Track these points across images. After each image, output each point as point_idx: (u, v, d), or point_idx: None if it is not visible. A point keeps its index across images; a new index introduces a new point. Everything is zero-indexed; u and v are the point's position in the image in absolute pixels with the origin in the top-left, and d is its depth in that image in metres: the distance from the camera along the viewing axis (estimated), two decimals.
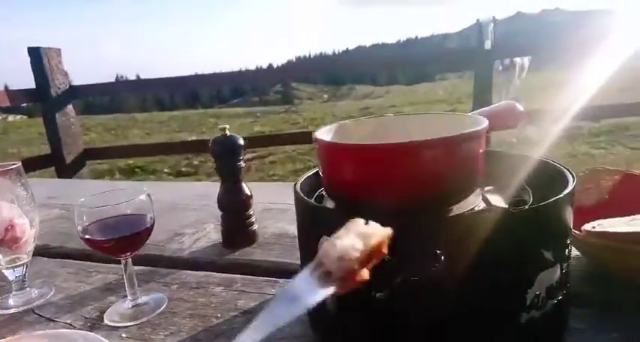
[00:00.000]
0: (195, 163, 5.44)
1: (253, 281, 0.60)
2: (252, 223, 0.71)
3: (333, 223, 0.29)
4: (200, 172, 5.22)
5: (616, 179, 0.61)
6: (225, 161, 0.68)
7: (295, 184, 0.47)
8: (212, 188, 0.76)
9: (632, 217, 0.50)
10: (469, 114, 0.48)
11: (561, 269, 0.39)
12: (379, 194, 0.42)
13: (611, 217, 0.58)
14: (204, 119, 9.52)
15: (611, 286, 0.50)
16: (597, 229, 0.49)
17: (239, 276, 0.62)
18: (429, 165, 0.40)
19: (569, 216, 0.41)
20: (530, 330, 0.38)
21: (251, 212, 0.71)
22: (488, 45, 2.88)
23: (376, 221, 0.29)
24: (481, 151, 0.43)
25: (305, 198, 0.44)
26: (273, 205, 0.89)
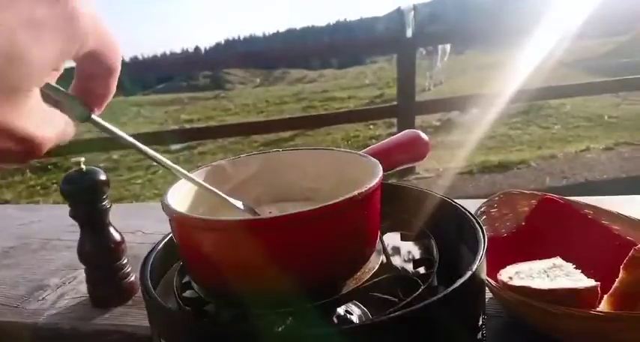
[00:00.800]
0: (115, 157, 5.03)
1: None
2: (126, 275, 0.58)
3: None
4: (121, 167, 4.84)
5: (532, 204, 0.56)
6: (84, 205, 0.54)
7: (142, 268, 0.36)
8: None
9: (551, 262, 0.45)
10: (363, 154, 0.39)
11: None
12: (253, 279, 0.32)
13: (529, 246, 0.53)
14: (126, 108, 8.86)
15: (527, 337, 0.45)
16: (515, 280, 0.42)
17: None
18: (313, 239, 0.31)
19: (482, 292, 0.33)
20: None
21: (124, 261, 0.58)
22: (409, 33, 2.87)
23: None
24: (376, 208, 0.35)
25: (159, 300, 0.33)
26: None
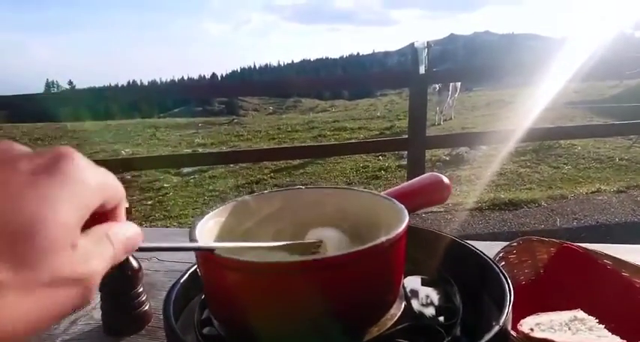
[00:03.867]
0: (128, 177, 5.07)
1: None
2: (141, 304, 0.58)
3: None
4: (133, 188, 4.87)
5: (551, 251, 0.56)
6: None
7: (166, 302, 0.36)
8: None
9: (573, 314, 0.44)
10: (387, 197, 0.40)
11: None
12: (276, 320, 0.32)
13: (548, 296, 0.52)
14: (142, 130, 9.01)
15: None
16: (536, 332, 0.42)
17: None
18: (339, 283, 0.31)
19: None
20: None
21: (140, 289, 0.58)
22: (422, 70, 2.93)
23: None
24: (401, 254, 0.35)
25: (181, 337, 0.33)
26: (178, 265, 0.76)
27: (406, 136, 3.53)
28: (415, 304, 0.39)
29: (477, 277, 0.39)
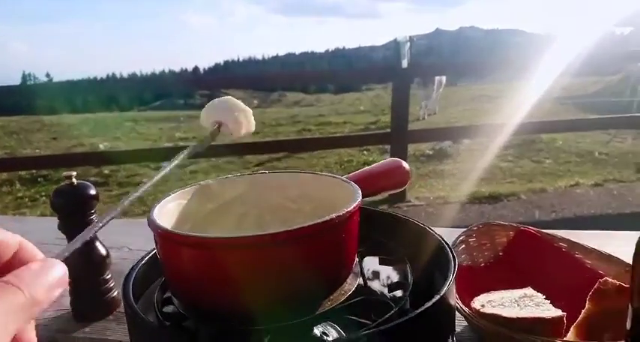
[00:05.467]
0: (106, 171, 5.00)
1: None
2: (109, 290, 0.59)
3: None
4: (111, 183, 4.80)
5: (510, 235, 0.58)
6: (72, 218, 0.55)
7: (125, 281, 0.37)
8: None
9: (523, 292, 0.46)
10: (345, 179, 0.41)
11: None
12: (232, 296, 0.33)
13: (504, 276, 0.54)
14: (121, 123, 8.85)
15: None
16: (487, 308, 0.44)
17: None
18: (291, 258, 0.32)
19: (450, 315, 0.35)
20: None
21: (107, 276, 0.59)
22: (405, 64, 2.95)
23: None
24: (353, 232, 0.36)
25: (140, 314, 0.34)
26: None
27: (389, 130, 3.56)
28: (372, 282, 0.40)
29: (430, 255, 0.40)
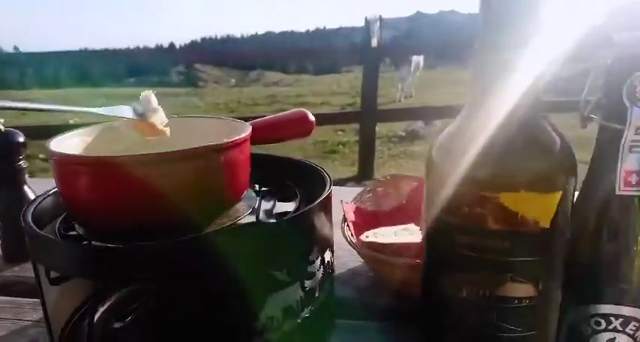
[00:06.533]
0: None
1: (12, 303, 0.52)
2: None
3: None
4: None
5: (413, 185, 0.64)
6: (0, 163, 0.58)
7: (26, 207, 0.41)
8: None
9: (404, 226, 0.52)
10: (241, 122, 0.46)
11: (303, 287, 0.38)
12: (116, 215, 0.37)
13: (404, 220, 0.60)
14: (91, 99, 8.65)
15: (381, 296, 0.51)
16: (370, 238, 0.50)
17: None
18: (174, 180, 0.37)
19: (314, 230, 0.40)
20: None
21: None
22: (374, 43, 2.98)
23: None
24: (240, 159, 0.41)
25: (34, 228, 0.38)
26: None
27: (360, 110, 3.61)
28: (260, 209, 0.45)
29: (316, 186, 0.45)
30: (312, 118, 0.54)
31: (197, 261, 0.33)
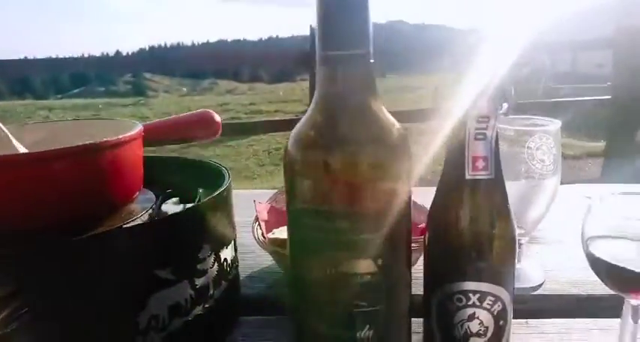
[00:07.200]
0: None
1: None
2: None
3: None
4: None
5: None
6: None
7: None
8: None
9: None
10: (133, 121, 0.46)
11: (193, 285, 0.38)
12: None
13: None
14: (34, 111, 8.18)
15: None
16: (275, 235, 0.51)
17: None
18: (46, 181, 0.36)
19: (204, 228, 0.40)
20: None
21: None
22: None
23: None
24: (129, 158, 0.41)
25: None
26: None
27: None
28: (161, 210, 0.45)
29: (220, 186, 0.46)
30: (218, 119, 0.54)
31: (65, 265, 0.32)
